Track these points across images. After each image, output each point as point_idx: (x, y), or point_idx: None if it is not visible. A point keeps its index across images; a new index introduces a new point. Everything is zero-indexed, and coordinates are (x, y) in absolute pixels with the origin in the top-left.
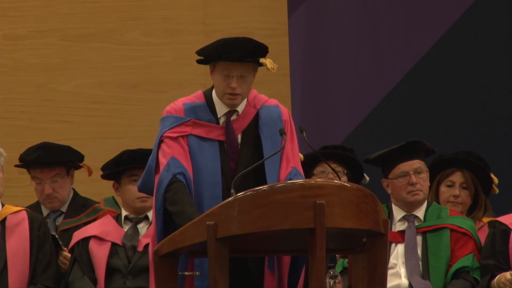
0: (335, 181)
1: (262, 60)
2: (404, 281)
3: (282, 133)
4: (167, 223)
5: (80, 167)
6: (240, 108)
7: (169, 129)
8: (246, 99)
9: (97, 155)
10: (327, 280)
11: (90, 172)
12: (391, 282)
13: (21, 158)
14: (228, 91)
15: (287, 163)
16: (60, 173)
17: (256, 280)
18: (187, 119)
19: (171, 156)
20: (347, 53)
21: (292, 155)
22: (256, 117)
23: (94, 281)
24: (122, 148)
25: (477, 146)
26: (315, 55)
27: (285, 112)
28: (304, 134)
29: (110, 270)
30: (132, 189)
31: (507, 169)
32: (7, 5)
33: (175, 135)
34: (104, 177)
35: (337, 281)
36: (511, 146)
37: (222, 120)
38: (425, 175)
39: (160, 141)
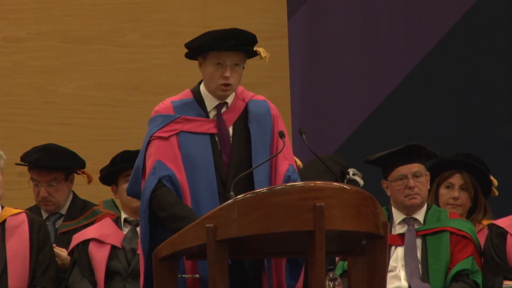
0: (335, 183)
1: (256, 48)
2: (404, 283)
3: (281, 135)
4: (153, 227)
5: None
6: (229, 100)
7: (159, 129)
8: (234, 93)
9: (96, 157)
10: (327, 283)
11: (89, 180)
12: (390, 284)
13: (22, 157)
14: (221, 81)
15: (284, 161)
16: (58, 178)
17: (254, 285)
18: (176, 116)
19: (157, 159)
20: (347, 56)
21: (287, 152)
22: (246, 110)
23: (94, 284)
24: (122, 150)
25: (476, 148)
26: (315, 58)
27: (273, 107)
28: (304, 137)
29: (110, 273)
30: None
31: (507, 171)
32: (7, 8)
33: (166, 134)
34: (101, 180)
35: (336, 283)
36: (511, 148)
37: (212, 114)
38: (424, 179)
39: (148, 142)
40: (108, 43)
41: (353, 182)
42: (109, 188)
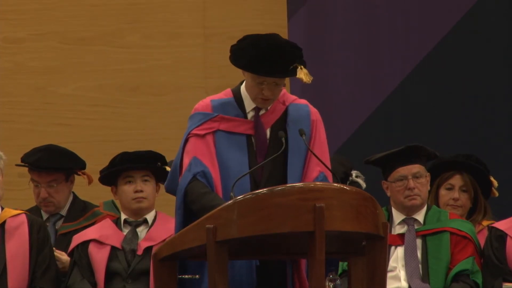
0: (335, 184)
1: (298, 74)
2: (404, 284)
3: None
4: (189, 221)
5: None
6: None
7: (196, 127)
8: None
9: (96, 158)
10: (327, 283)
11: (90, 181)
12: (390, 285)
13: (23, 158)
14: (260, 96)
15: (315, 167)
16: (58, 179)
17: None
18: (214, 115)
19: (194, 155)
20: (347, 56)
21: (322, 158)
22: (285, 114)
23: (94, 285)
24: (122, 151)
25: (476, 149)
26: (315, 58)
27: (314, 112)
28: (304, 138)
29: (110, 274)
30: (127, 190)
31: (507, 172)
32: (7, 8)
33: (202, 132)
34: (101, 181)
35: (336, 284)
36: (511, 149)
37: (250, 115)
38: (424, 180)
39: (186, 140)
40: (108, 44)
41: (355, 184)
42: (109, 189)
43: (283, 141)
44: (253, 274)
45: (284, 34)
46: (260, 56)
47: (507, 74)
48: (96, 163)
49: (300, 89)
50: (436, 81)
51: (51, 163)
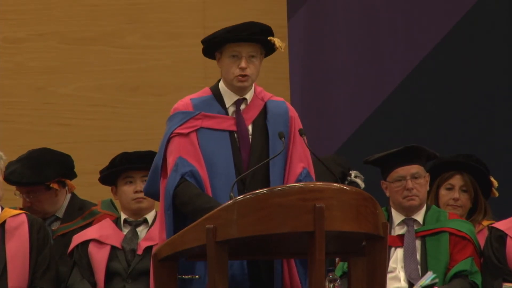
0: (335, 184)
1: (270, 38)
2: (404, 284)
3: (281, 136)
4: (178, 223)
5: (62, 182)
6: (248, 97)
7: (179, 126)
8: (253, 91)
9: (96, 158)
10: (327, 284)
11: (70, 189)
12: (390, 285)
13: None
14: (237, 72)
15: (298, 163)
16: (35, 190)
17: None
18: (196, 113)
19: (179, 155)
20: (347, 56)
21: (304, 155)
22: (265, 109)
23: (94, 285)
24: (122, 151)
25: (476, 149)
26: (315, 58)
27: (292, 108)
28: (304, 137)
29: (110, 274)
30: (127, 190)
31: (507, 172)
32: (7, 8)
33: (185, 131)
34: (101, 181)
35: (336, 284)
36: (511, 148)
37: (231, 111)
38: (423, 181)
39: (168, 139)
40: (108, 44)
41: (354, 184)
42: (109, 188)
43: (283, 141)
44: (244, 270)
45: (284, 34)
46: (234, 27)
47: (507, 74)
48: (96, 163)
49: (300, 89)
50: (436, 81)
51: (22, 178)
